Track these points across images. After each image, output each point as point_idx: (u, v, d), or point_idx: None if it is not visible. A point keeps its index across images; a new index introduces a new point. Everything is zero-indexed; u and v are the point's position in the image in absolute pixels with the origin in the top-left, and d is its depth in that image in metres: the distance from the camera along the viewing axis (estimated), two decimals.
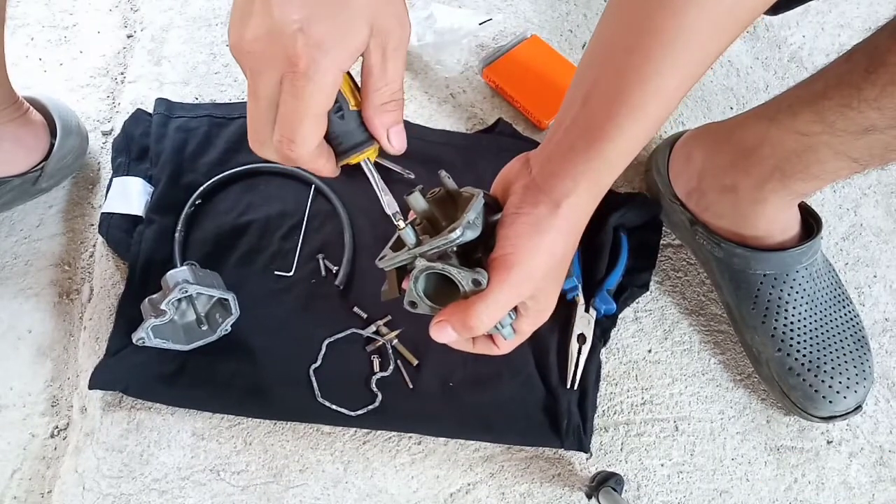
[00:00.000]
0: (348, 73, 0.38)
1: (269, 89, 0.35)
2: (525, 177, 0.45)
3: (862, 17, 0.87)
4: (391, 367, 0.66)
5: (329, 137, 0.39)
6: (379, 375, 0.65)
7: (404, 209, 0.44)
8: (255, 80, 0.35)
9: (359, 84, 0.40)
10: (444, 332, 0.44)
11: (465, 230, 0.41)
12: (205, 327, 0.65)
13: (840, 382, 0.64)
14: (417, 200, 0.44)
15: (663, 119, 0.42)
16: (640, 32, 0.38)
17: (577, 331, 0.67)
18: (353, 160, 0.41)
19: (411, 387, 0.65)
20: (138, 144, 0.74)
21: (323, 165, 0.39)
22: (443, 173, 0.46)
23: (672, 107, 0.42)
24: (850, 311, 0.68)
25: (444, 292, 0.44)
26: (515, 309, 0.46)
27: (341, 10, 0.34)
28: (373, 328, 0.67)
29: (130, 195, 0.71)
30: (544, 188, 0.44)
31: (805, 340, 0.65)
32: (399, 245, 0.46)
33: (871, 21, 0.86)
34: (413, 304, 0.45)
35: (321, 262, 0.70)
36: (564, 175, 0.43)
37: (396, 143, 0.40)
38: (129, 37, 0.85)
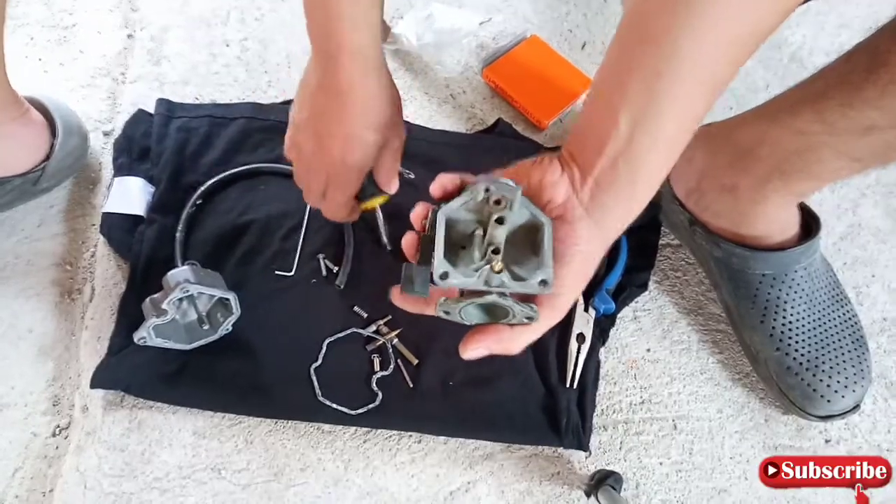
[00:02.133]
0: None
1: (320, 185, 0.56)
2: (572, 200, 0.43)
3: (862, 18, 0.88)
4: (391, 367, 0.66)
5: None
6: (379, 374, 0.66)
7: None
8: (306, 176, 0.57)
9: None
10: (478, 353, 0.43)
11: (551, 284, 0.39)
12: (206, 327, 0.65)
13: (838, 382, 0.64)
14: (504, 232, 0.39)
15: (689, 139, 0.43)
16: (672, 56, 0.38)
17: (576, 330, 0.67)
18: (370, 205, 0.61)
19: (411, 386, 0.66)
20: (139, 144, 0.74)
21: (345, 217, 0.60)
22: (518, 189, 0.40)
23: (699, 122, 0.42)
24: (848, 311, 0.68)
25: (482, 307, 0.42)
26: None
27: (362, 144, 0.53)
28: (373, 327, 0.68)
29: (131, 195, 0.71)
30: (598, 220, 0.43)
31: (803, 340, 0.65)
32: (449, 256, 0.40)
33: (871, 21, 0.86)
34: (447, 313, 0.41)
35: (321, 261, 0.70)
36: (617, 208, 0.43)
37: (394, 187, 0.60)
38: (129, 37, 0.85)
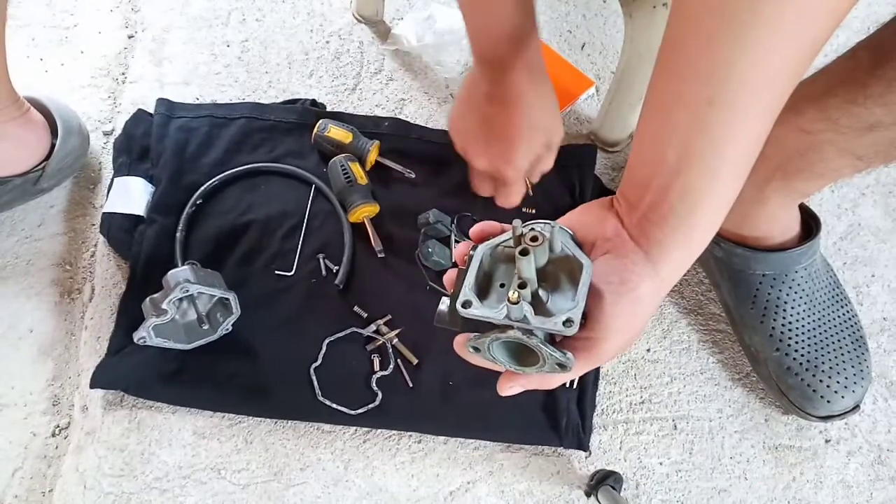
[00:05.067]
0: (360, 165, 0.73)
1: (490, 181, 0.66)
2: (622, 234, 0.41)
3: (860, 18, 0.88)
4: (391, 366, 0.66)
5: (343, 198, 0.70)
6: (379, 374, 0.66)
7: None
8: (478, 177, 0.66)
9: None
10: (515, 390, 0.41)
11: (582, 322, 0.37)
12: (206, 326, 0.65)
13: (838, 382, 0.64)
14: (530, 266, 0.37)
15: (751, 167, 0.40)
16: (722, 85, 0.35)
17: None
18: (358, 216, 0.69)
19: (411, 385, 0.66)
20: (139, 144, 0.74)
21: (517, 201, 0.66)
22: (556, 226, 0.39)
23: (761, 145, 0.39)
24: (848, 311, 0.68)
25: (512, 347, 0.40)
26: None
27: (527, 142, 0.60)
28: (373, 327, 0.68)
29: (132, 195, 0.71)
30: (655, 260, 0.40)
31: (803, 340, 0.65)
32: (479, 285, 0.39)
33: (870, 21, 0.86)
34: (477, 349, 0.40)
35: (321, 261, 0.70)
36: (674, 246, 0.39)
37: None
38: (130, 37, 0.85)
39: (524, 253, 0.36)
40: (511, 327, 0.36)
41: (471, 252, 0.40)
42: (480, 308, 0.37)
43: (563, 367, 0.38)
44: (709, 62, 0.36)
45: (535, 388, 0.41)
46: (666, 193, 0.38)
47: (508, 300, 0.35)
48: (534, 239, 0.37)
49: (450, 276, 0.42)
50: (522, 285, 0.36)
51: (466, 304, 0.37)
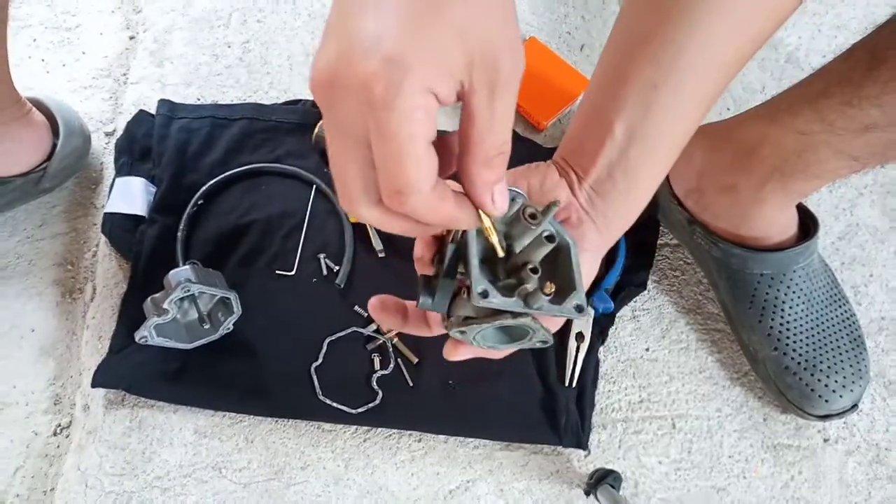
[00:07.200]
0: None
1: (350, 128, 0.27)
2: (574, 203, 0.42)
3: (858, 19, 0.88)
4: (391, 366, 0.66)
5: None
6: (379, 373, 0.66)
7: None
8: (330, 120, 0.27)
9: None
10: (463, 356, 0.39)
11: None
12: (207, 326, 0.65)
13: (836, 381, 0.64)
14: (544, 251, 0.35)
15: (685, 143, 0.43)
16: (669, 68, 0.37)
17: (575, 329, 0.68)
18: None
19: (411, 385, 0.66)
20: (141, 145, 0.75)
21: (451, 212, 0.29)
22: (555, 205, 0.35)
23: (695, 130, 0.42)
24: (846, 311, 0.69)
25: (502, 329, 0.39)
26: None
27: (432, 21, 0.25)
28: (373, 326, 0.68)
29: (133, 195, 0.71)
30: (599, 226, 0.42)
31: (801, 340, 0.66)
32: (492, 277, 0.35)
33: (868, 22, 0.86)
34: (463, 333, 0.36)
35: (322, 261, 0.70)
36: (615, 216, 0.43)
37: (500, 203, 0.31)
38: (131, 38, 0.85)
39: (551, 239, 0.34)
40: (526, 315, 0.34)
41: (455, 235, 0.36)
42: (497, 296, 0.33)
43: (544, 343, 0.37)
44: (659, 45, 0.38)
45: (483, 356, 0.40)
46: (612, 170, 0.41)
47: (542, 291, 0.33)
48: (532, 217, 0.34)
49: (421, 253, 0.38)
50: (535, 270, 0.34)
51: (484, 294, 0.33)
